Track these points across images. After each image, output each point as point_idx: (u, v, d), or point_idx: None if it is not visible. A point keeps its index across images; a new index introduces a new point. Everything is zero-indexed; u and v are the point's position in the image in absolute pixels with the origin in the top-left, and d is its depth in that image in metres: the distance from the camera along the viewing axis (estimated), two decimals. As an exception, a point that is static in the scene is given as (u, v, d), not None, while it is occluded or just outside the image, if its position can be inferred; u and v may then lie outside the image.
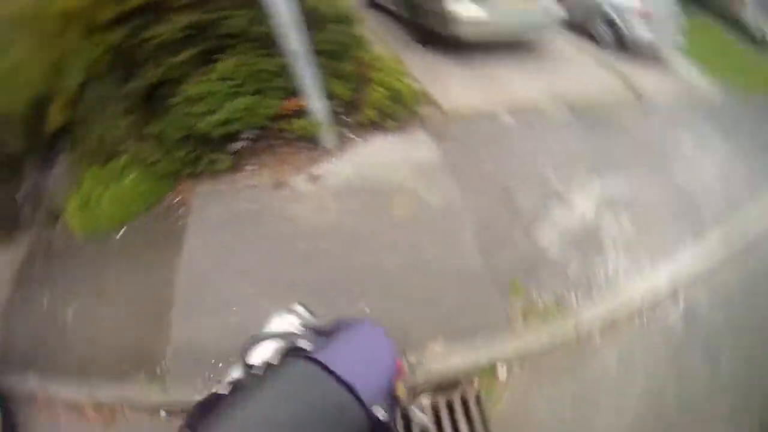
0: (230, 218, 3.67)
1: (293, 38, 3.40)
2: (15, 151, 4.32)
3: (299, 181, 3.85)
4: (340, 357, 1.00)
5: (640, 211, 3.41)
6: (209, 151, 3.93)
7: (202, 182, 4.04)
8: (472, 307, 2.79)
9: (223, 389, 0.98)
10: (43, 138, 4.31)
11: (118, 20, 3.31)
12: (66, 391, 2.98)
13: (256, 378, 0.98)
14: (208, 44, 3.61)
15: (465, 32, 5.23)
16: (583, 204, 3.40)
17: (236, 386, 0.98)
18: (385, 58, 4.62)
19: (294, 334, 1.13)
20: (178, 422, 2.39)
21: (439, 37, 5.65)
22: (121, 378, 2.86)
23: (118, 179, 4.07)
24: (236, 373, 1.07)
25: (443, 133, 4.23)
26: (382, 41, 5.65)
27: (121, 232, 3.90)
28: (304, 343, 1.07)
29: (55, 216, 4.38)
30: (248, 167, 4.09)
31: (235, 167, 4.05)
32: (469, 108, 4.65)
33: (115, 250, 3.78)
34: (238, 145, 4.06)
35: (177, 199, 4.02)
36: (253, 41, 3.67)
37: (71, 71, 3.62)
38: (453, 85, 5.08)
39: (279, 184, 3.85)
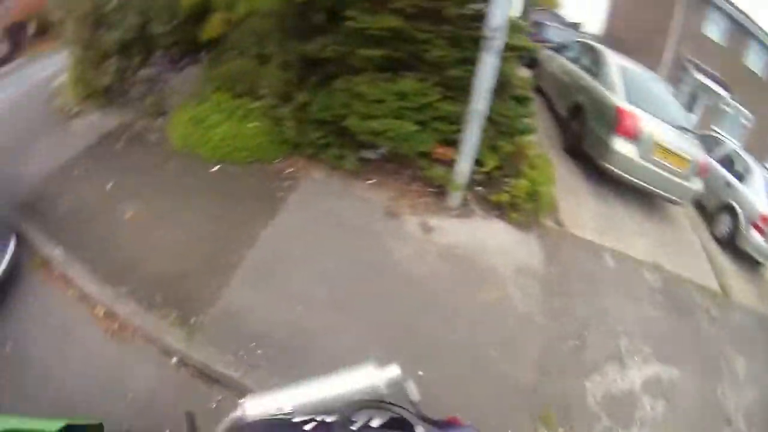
0: (330, 217, 3.70)
1: (481, 98, 3.54)
2: (157, 35, 4.45)
3: (410, 222, 3.86)
4: None
5: (673, 405, 3.41)
6: (342, 145, 3.99)
7: (320, 169, 4.10)
8: (500, 416, 2.79)
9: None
10: (189, 38, 4.40)
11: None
12: (89, 281, 2.98)
13: None
14: (404, 57, 3.73)
15: (612, 163, 5.31)
16: (634, 376, 3.46)
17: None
18: (542, 155, 4.71)
19: (408, 413, 1.09)
20: (183, 377, 2.65)
21: (585, 155, 5.80)
22: (152, 304, 2.86)
23: (240, 118, 4.14)
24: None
25: (553, 249, 4.24)
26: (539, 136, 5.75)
27: (216, 168, 3.99)
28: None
29: (159, 112, 4.59)
30: (369, 180, 4.12)
31: (357, 173, 4.08)
32: (585, 235, 4.71)
33: (204, 180, 3.88)
34: (372, 155, 4.13)
35: (288, 170, 4.07)
36: (443, 78, 3.79)
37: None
38: (580, 208, 5.18)
39: (391, 214, 3.86)
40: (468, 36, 3.70)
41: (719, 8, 15.12)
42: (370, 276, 3.32)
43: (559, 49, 7.86)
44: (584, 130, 5.79)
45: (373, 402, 1.10)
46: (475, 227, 4.09)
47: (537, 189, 4.20)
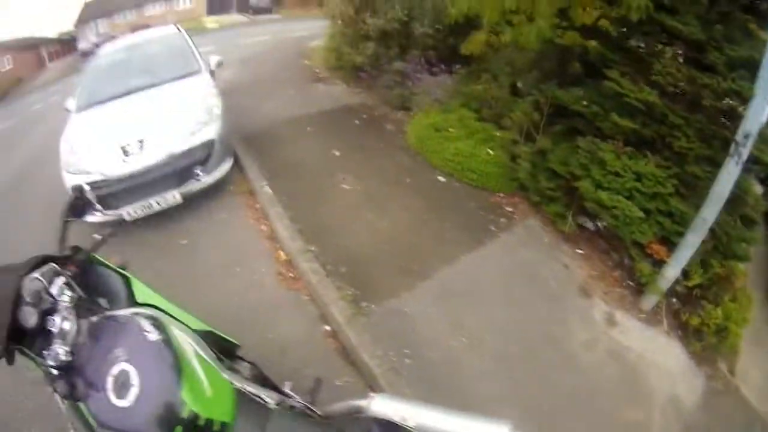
0: (530, 269, 3.59)
1: (712, 206, 3.22)
2: (418, 35, 4.86)
3: (598, 307, 3.64)
4: None
5: None
6: (567, 205, 3.88)
7: (537, 219, 4.03)
8: None
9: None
10: (449, 47, 4.71)
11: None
12: (285, 226, 3.13)
13: None
14: (652, 137, 3.54)
15: None
16: None
17: None
18: (746, 290, 4.14)
19: None
20: (327, 347, 2.67)
21: None
22: (334, 273, 2.96)
23: (480, 141, 4.24)
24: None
25: (713, 395, 3.65)
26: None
27: (442, 178, 4.09)
28: None
29: (403, 106, 4.94)
30: (578, 250, 3.95)
31: (569, 236, 3.93)
32: (749, 395, 3.94)
33: (427, 185, 3.98)
34: (590, 225, 3.95)
35: (508, 208, 4.07)
36: (680, 172, 3.51)
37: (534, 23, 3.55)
38: (757, 362, 4.36)
39: (584, 292, 3.70)
40: (717, 134, 3.32)
41: None
42: (540, 343, 3.16)
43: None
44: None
45: None
46: (654, 339, 3.66)
47: (728, 325, 3.63)
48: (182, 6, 32.77)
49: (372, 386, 2.49)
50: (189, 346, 1.22)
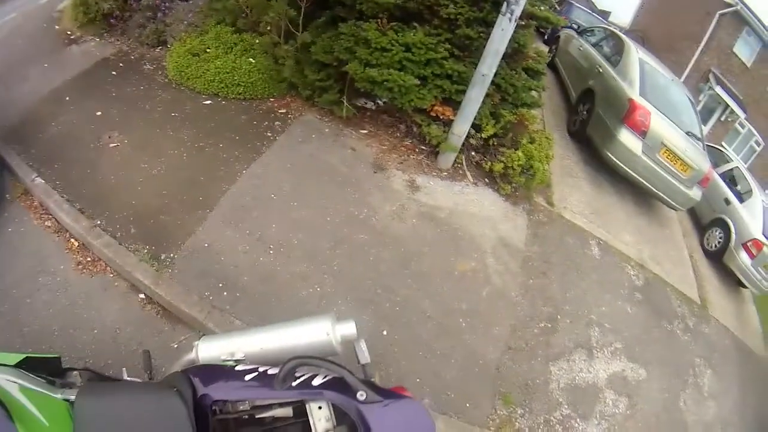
0: (317, 163, 3.61)
1: (489, 61, 3.35)
2: None
3: (397, 178, 3.76)
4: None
5: (634, 404, 3.36)
6: (339, 91, 3.85)
7: (313, 113, 4.00)
8: (459, 388, 2.73)
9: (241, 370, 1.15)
10: None
11: None
12: (66, 212, 2.93)
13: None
14: (417, 8, 3.53)
15: (615, 153, 5.16)
16: (600, 369, 3.41)
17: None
18: (543, 132, 4.55)
19: (351, 377, 1.09)
20: (149, 315, 2.58)
21: (589, 140, 5.63)
22: (125, 237, 2.82)
23: (239, 53, 4.07)
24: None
25: (539, 227, 4.13)
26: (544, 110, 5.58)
27: (208, 101, 3.94)
28: (361, 396, 1.06)
29: (159, 42, 4.55)
30: (362, 131, 4.00)
31: (351, 121, 3.96)
32: (574, 219, 4.57)
33: (194, 113, 3.81)
34: (367, 104, 3.98)
35: (281, 110, 3.98)
36: (452, 36, 3.59)
37: None
38: (572, 191, 5.02)
39: (378, 167, 3.76)
40: None
41: (755, 31, 14.67)
42: (348, 228, 3.25)
43: (582, 32, 7.46)
44: (592, 116, 5.58)
45: (317, 360, 1.09)
46: (462, 192, 3.99)
47: (532, 163, 4.05)
48: None
49: (204, 333, 2.42)
50: (11, 384, 1.13)
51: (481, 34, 3.52)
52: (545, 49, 7.60)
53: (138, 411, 1.07)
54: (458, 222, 3.67)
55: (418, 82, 3.59)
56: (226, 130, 3.72)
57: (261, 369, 1.16)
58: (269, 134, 3.74)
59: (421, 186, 3.77)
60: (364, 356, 1.26)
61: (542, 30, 8.55)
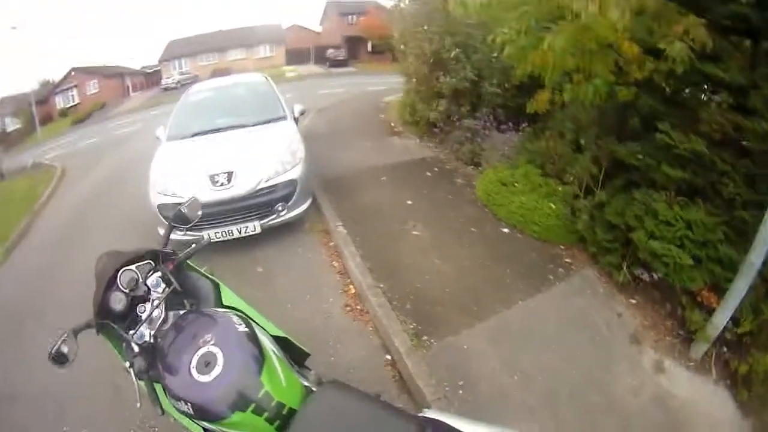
0: (584, 317, 3.55)
1: (760, 250, 3.20)
2: (488, 94, 5.20)
3: (648, 355, 3.60)
4: None
5: None
6: (621, 256, 3.95)
7: (594, 270, 4.07)
8: None
9: None
10: (516, 105, 4.96)
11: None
12: (356, 264, 3.36)
13: None
14: (702, 185, 3.55)
15: None
16: None
17: None
18: None
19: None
20: (384, 375, 2.82)
21: None
22: (400, 308, 3.17)
23: (543, 196, 4.41)
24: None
25: None
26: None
27: (506, 229, 4.39)
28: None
29: (472, 162, 5.30)
30: (632, 300, 3.94)
31: (623, 287, 3.90)
32: None
33: (491, 235, 4.24)
34: (643, 275, 3.91)
35: (567, 259, 4.20)
36: (731, 218, 3.50)
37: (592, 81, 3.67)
38: None
39: (635, 340, 3.69)
40: (764, 177, 3.30)
41: None
42: (586, 385, 3.19)
43: None
44: None
45: None
46: (701, 387, 3.56)
47: None
48: (263, 54, 35.40)
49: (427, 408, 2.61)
50: (269, 344, 1.41)
51: (755, 219, 3.27)
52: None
53: (372, 427, 1.16)
54: (686, 416, 3.31)
55: (693, 263, 3.47)
56: (514, 261, 4.00)
57: None
58: (551, 277, 3.93)
59: (666, 369, 3.53)
60: None
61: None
